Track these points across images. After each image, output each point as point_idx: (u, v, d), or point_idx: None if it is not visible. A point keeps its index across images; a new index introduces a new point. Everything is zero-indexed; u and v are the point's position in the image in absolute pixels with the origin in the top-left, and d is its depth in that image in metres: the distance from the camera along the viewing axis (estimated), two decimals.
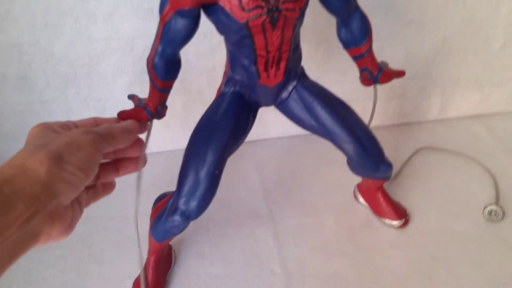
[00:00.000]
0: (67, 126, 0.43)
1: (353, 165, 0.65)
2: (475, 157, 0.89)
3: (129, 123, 0.47)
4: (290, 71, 0.56)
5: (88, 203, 0.43)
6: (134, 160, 0.49)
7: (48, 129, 0.41)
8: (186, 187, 0.54)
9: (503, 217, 0.75)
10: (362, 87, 0.94)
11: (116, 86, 0.86)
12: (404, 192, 0.82)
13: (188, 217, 0.54)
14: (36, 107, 0.87)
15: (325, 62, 0.90)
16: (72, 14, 0.77)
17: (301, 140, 0.96)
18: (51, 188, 0.35)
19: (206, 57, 0.85)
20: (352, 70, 0.91)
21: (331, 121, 0.57)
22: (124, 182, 0.52)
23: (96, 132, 0.40)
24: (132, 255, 0.71)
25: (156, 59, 0.52)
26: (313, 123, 0.59)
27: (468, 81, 0.96)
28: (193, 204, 0.53)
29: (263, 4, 0.46)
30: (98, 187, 0.45)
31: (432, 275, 0.68)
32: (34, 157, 0.35)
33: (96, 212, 0.60)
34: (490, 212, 0.75)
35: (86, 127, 0.45)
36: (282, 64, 0.54)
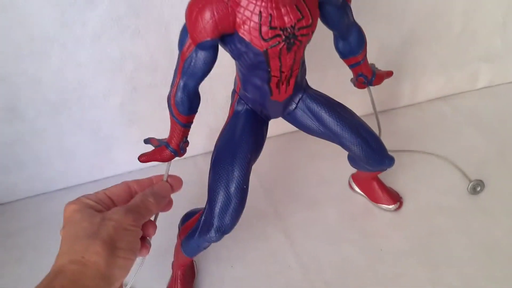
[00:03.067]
0: (102, 200, 0.45)
1: (356, 162, 0.71)
2: (447, 136, 0.98)
3: (163, 188, 0.51)
4: (297, 84, 0.61)
5: None
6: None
7: (87, 207, 0.43)
8: (219, 204, 0.57)
9: (482, 190, 0.84)
10: (342, 82, 1.00)
11: (109, 107, 0.87)
12: (394, 177, 0.89)
13: (223, 232, 0.58)
14: (27, 137, 0.86)
15: (307, 61, 0.95)
16: (58, 40, 0.77)
17: (290, 138, 1.01)
18: (109, 278, 0.38)
19: None
20: (332, 67, 0.98)
21: (339, 127, 0.63)
22: None
23: (136, 211, 0.44)
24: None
25: (179, 94, 0.54)
26: (321, 129, 0.64)
27: (434, 66, 1.04)
28: (228, 219, 0.57)
29: (281, 32, 0.50)
30: None
31: (430, 248, 0.76)
32: (91, 249, 0.38)
33: None
34: (473, 187, 0.84)
35: (120, 196, 0.47)
36: (292, 81, 0.58)
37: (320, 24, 0.64)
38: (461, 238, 0.77)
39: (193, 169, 0.97)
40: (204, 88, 0.91)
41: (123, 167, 0.96)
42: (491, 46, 1.05)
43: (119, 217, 0.42)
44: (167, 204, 0.52)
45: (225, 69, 0.88)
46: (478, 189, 0.84)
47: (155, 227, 0.51)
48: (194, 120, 0.94)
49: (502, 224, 0.79)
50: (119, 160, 0.94)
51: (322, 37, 0.91)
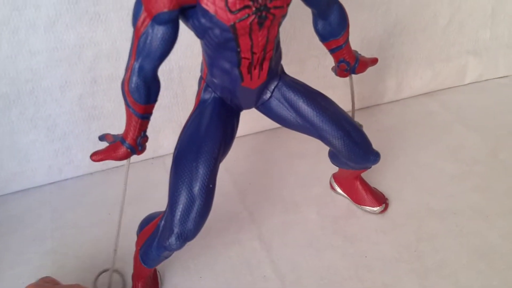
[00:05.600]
0: None
1: (338, 158, 0.64)
2: (434, 133, 0.92)
3: None
4: (272, 70, 0.54)
5: None
6: None
7: None
8: (180, 207, 0.50)
9: None
10: (322, 75, 0.94)
11: (66, 101, 0.79)
12: (378, 177, 0.83)
13: (185, 238, 0.50)
14: None
15: (284, 53, 0.88)
16: (8, 25, 0.69)
17: (267, 136, 0.95)
18: None
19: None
20: (311, 60, 0.91)
21: (318, 119, 0.56)
22: None
23: None
24: None
25: (134, 79, 0.47)
26: (299, 121, 0.57)
27: (420, 60, 0.99)
28: (190, 224, 0.50)
29: (250, 3, 0.42)
30: None
31: (419, 253, 0.70)
32: None
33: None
34: None
35: None
36: (266, 65, 0.51)
37: (295, 8, 0.58)
38: (452, 243, 0.71)
39: (161, 170, 0.89)
40: (173, 80, 0.85)
41: (83, 168, 0.87)
42: (479, 39, 1.00)
43: None
44: None
45: (196, 59, 0.82)
46: None
47: None
48: (162, 117, 0.88)
49: (496, 226, 0.73)
50: (78, 160, 0.86)
51: (301, 24, 0.85)
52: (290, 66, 0.89)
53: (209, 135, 0.52)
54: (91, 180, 0.87)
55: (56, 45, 0.73)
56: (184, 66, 0.83)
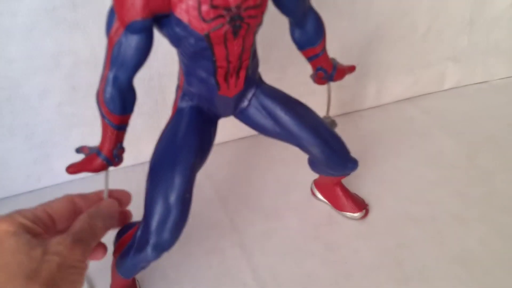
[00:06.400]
0: (42, 220, 0.37)
1: (317, 165, 0.64)
2: (414, 139, 0.93)
3: (110, 207, 0.44)
4: (249, 78, 0.54)
5: None
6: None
7: (24, 231, 0.34)
8: (156, 217, 0.49)
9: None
10: (303, 82, 0.94)
11: (44, 109, 0.78)
12: (358, 183, 0.83)
13: (162, 249, 0.50)
14: None
15: (265, 60, 0.88)
16: None
17: (248, 143, 0.94)
18: None
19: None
20: (292, 66, 0.91)
21: (296, 127, 0.56)
22: None
23: (85, 241, 0.37)
24: None
25: (108, 89, 0.46)
26: (277, 129, 0.57)
27: (400, 66, 0.99)
28: (166, 234, 0.49)
29: (224, 13, 0.42)
30: None
31: (399, 260, 0.70)
32: None
33: None
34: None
35: (63, 215, 0.40)
36: (242, 73, 0.51)
37: (276, 15, 0.58)
38: (433, 249, 0.71)
39: (142, 177, 0.87)
40: (154, 87, 0.85)
41: (63, 176, 0.85)
42: (458, 46, 1.01)
43: (64, 250, 0.34)
44: (124, 218, 0.47)
45: (176, 66, 0.81)
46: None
47: (105, 250, 0.44)
48: (143, 124, 0.87)
49: (475, 233, 0.73)
50: (58, 168, 0.84)
51: (281, 32, 0.85)
52: (271, 73, 0.89)
53: (185, 144, 0.52)
54: (70, 188, 0.84)
55: (33, 53, 0.72)
56: (164, 73, 0.83)
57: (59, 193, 0.84)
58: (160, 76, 0.83)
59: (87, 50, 0.75)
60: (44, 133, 0.80)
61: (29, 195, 0.84)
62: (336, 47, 0.91)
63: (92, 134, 0.82)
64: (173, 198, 0.49)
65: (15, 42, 0.70)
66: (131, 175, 0.88)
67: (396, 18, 0.92)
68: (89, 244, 0.38)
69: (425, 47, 0.99)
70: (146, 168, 0.90)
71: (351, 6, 0.87)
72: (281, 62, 0.89)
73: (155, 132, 0.88)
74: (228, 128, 0.85)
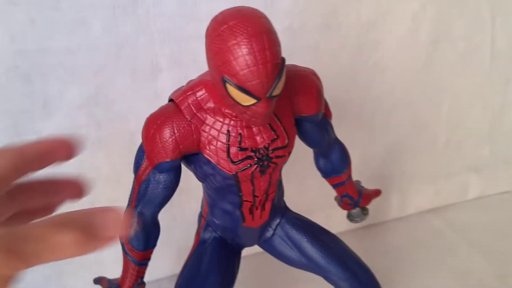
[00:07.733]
0: None
1: None
2: (440, 255, 0.89)
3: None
4: (275, 207, 0.52)
5: None
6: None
7: None
8: None
9: None
10: (325, 194, 0.92)
11: None
12: None
13: None
14: None
15: (285, 173, 0.88)
16: None
17: (266, 258, 0.90)
18: None
19: None
20: (312, 178, 0.90)
21: (323, 259, 0.53)
22: None
23: None
24: None
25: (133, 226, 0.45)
26: (303, 260, 0.54)
27: (422, 177, 0.98)
28: None
29: (252, 154, 0.42)
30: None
31: None
32: None
33: None
34: None
35: None
36: (268, 205, 0.50)
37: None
38: None
39: None
40: (171, 201, 0.84)
41: None
42: (479, 156, 1.01)
43: None
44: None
45: (195, 182, 0.81)
46: None
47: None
48: (160, 239, 0.84)
49: None
50: (70, 286, 0.81)
51: (301, 145, 0.86)
52: (292, 185, 0.88)
53: (208, 279, 0.50)
54: None
55: (56, 169, 0.72)
56: (184, 188, 0.82)
57: None
58: (178, 190, 0.82)
59: (109, 166, 0.75)
60: None
61: None
62: (357, 158, 0.91)
63: (106, 251, 0.80)
64: None
65: None
66: None
67: (416, 130, 0.92)
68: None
69: (446, 158, 0.98)
70: (160, 285, 0.87)
71: (372, 119, 0.88)
72: (301, 173, 0.88)
73: (172, 249, 0.86)
74: None
